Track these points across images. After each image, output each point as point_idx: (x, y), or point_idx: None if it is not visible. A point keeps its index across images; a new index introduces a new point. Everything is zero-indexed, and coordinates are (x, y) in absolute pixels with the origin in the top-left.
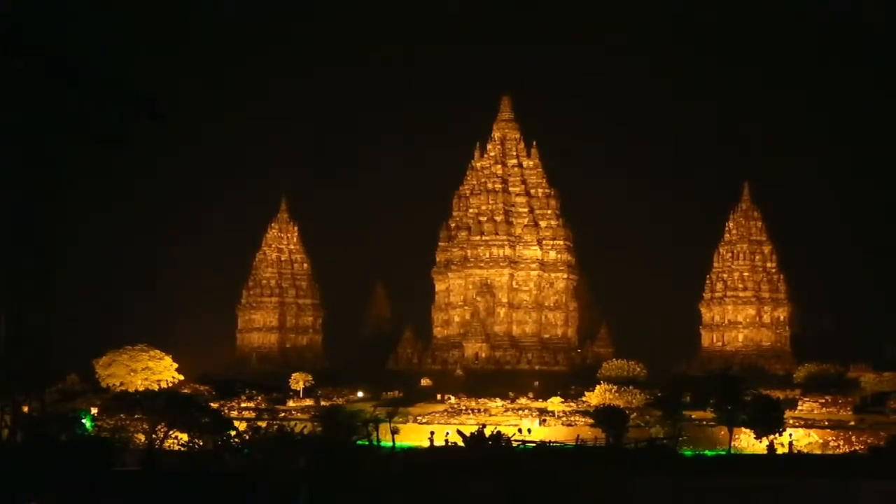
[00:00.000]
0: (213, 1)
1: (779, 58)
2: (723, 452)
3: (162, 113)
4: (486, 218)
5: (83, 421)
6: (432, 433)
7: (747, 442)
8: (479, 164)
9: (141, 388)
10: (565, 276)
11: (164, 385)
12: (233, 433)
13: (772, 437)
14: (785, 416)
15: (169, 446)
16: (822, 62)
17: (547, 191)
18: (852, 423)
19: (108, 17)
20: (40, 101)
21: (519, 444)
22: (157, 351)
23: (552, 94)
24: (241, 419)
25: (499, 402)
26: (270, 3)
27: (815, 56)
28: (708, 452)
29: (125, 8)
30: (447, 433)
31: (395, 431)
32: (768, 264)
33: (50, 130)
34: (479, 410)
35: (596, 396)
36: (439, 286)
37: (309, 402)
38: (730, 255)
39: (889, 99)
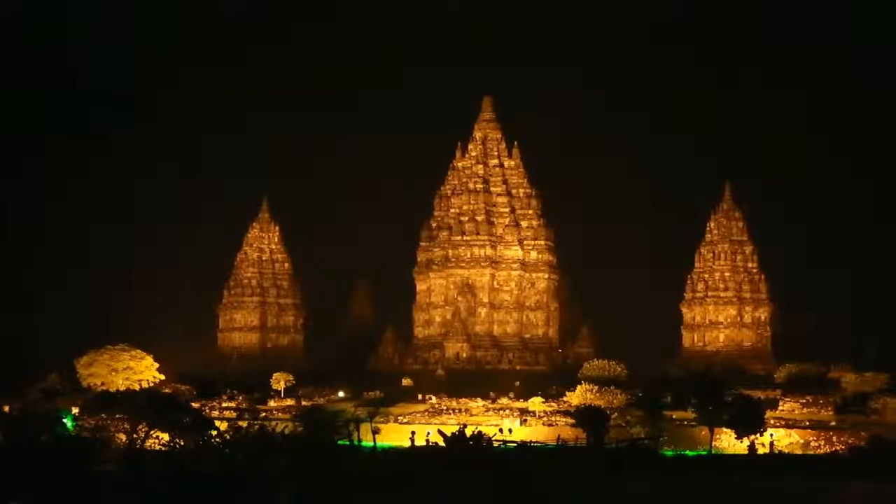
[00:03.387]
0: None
1: (764, 57)
2: (704, 452)
3: (145, 113)
4: (467, 218)
5: (64, 421)
6: (413, 433)
7: (728, 442)
8: (460, 164)
9: (122, 388)
10: (546, 276)
11: (145, 385)
12: (214, 433)
13: (753, 437)
14: (766, 416)
15: (150, 446)
16: (806, 62)
17: (528, 191)
18: (833, 423)
19: (93, 18)
20: (23, 101)
21: (500, 445)
22: (138, 350)
23: (534, 93)
24: (222, 419)
25: (480, 402)
26: (254, 2)
27: (799, 55)
28: (689, 452)
29: (108, 9)
30: (428, 433)
31: (376, 431)
32: (749, 264)
33: (32, 131)
34: (460, 410)
35: (577, 396)
36: (420, 286)
37: (290, 401)
38: (711, 255)
39: (872, 98)
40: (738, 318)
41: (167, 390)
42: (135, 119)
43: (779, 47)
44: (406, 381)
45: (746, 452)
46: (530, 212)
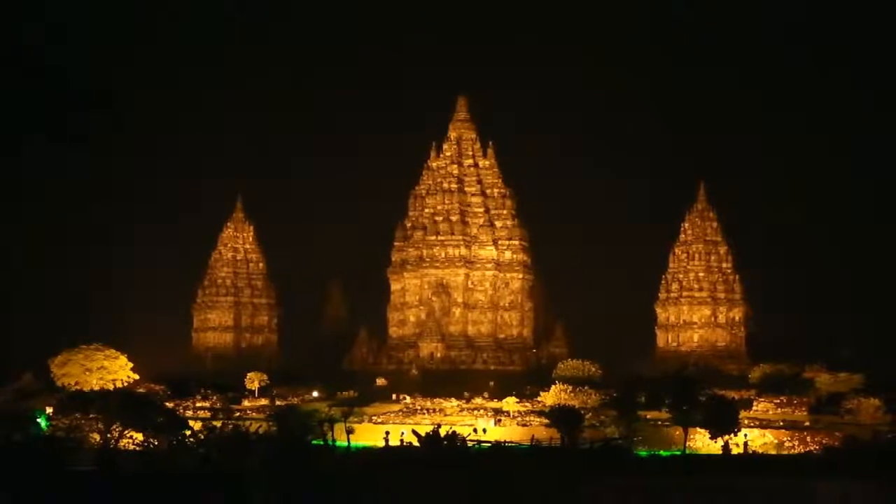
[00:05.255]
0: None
1: (738, 57)
2: (678, 452)
3: (120, 112)
4: (441, 218)
5: (38, 420)
6: (387, 433)
7: (702, 442)
8: (435, 164)
9: (96, 388)
10: (521, 276)
11: (119, 384)
12: (188, 433)
13: (727, 437)
14: (740, 416)
15: (124, 446)
16: (780, 62)
17: (503, 191)
18: (807, 423)
19: (65, 15)
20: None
21: (474, 445)
22: (113, 350)
23: (508, 94)
24: (196, 419)
25: (454, 401)
26: (227, 2)
27: (773, 56)
28: (663, 452)
29: (82, 6)
30: (402, 433)
31: (350, 431)
32: (724, 265)
33: (9, 131)
34: (434, 410)
35: (551, 396)
36: (395, 286)
37: (264, 401)
38: (685, 255)
39: (847, 100)
40: (713, 319)
41: (141, 390)
42: (112, 119)
43: (756, 47)
44: (380, 381)
45: (720, 452)
46: (504, 212)
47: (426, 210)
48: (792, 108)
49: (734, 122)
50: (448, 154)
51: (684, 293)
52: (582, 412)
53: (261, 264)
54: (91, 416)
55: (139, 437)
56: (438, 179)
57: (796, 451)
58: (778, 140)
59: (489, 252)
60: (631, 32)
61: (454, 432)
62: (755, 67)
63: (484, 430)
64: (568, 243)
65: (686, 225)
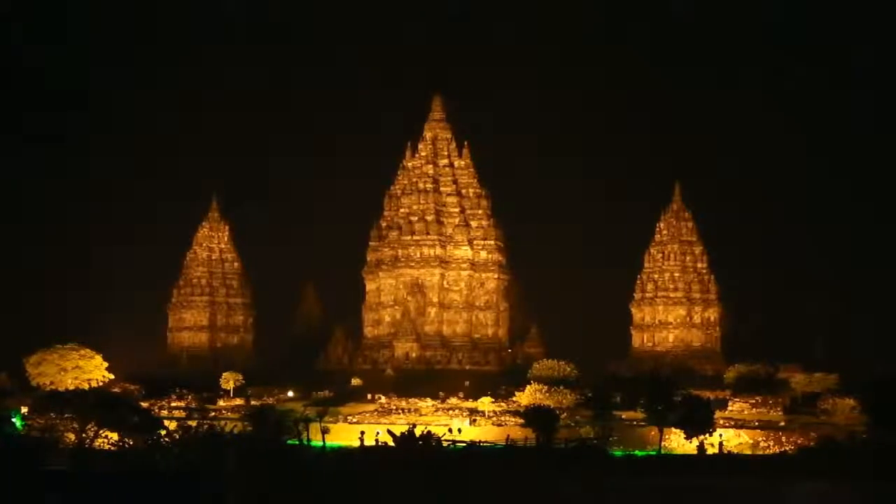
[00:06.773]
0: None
1: (715, 57)
2: (653, 452)
3: (94, 110)
4: (417, 218)
5: (13, 420)
6: (363, 433)
7: (677, 442)
8: (410, 164)
9: (71, 387)
10: (496, 276)
11: (94, 384)
12: (163, 433)
13: (702, 437)
14: (715, 416)
15: (99, 446)
16: (756, 62)
17: (478, 191)
18: (782, 423)
19: (44, 16)
20: None
21: (449, 444)
22: (88, 350)
23: (483, 93)
24: (171, 418)
25: (429, 401)
26: (200, 1)
27: (749, 56)
28: (638, 452)
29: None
30: (377, 433)
31: (325, 431)
32: (699, 265)
33: None
34: (409, 410)
35: (526, 396)
36: (370, 286)
37: (239, 401)
38: (660, 255)
39: (824, 100)
40: (688, 319)
41: (116, 390)
42: (90, 119)
43: (733, 47)
44: (355, 381)
45: (696, 453)
46: (480, 212)
47: (401, 210)
48: (771, 108)
49: (712, 121)
50: (423, 154)
51: (659, 293)
52: (557, 412)
53: (236, 264)
54: (66, 415)
55: (114, 436)
56: (414, 179)
57: (771, 452)
58: (756, 139)
59: (464, 252)
60: (607, 31)
61: (429, 432)
62: (734, 67)
63: (459, 430)
64: (543, 243)
65: (661, 225)
